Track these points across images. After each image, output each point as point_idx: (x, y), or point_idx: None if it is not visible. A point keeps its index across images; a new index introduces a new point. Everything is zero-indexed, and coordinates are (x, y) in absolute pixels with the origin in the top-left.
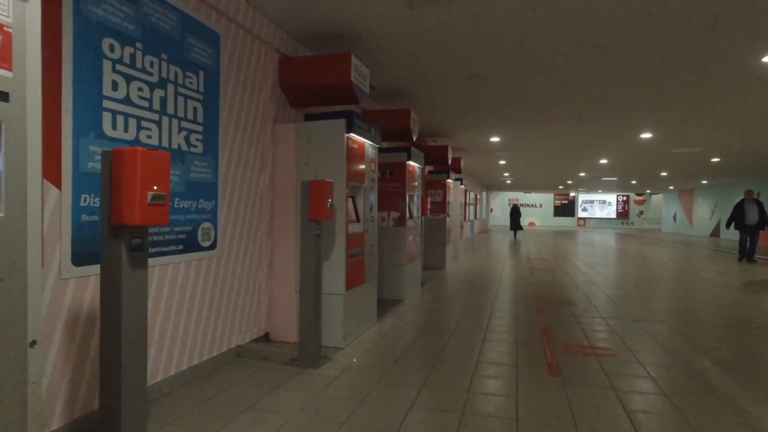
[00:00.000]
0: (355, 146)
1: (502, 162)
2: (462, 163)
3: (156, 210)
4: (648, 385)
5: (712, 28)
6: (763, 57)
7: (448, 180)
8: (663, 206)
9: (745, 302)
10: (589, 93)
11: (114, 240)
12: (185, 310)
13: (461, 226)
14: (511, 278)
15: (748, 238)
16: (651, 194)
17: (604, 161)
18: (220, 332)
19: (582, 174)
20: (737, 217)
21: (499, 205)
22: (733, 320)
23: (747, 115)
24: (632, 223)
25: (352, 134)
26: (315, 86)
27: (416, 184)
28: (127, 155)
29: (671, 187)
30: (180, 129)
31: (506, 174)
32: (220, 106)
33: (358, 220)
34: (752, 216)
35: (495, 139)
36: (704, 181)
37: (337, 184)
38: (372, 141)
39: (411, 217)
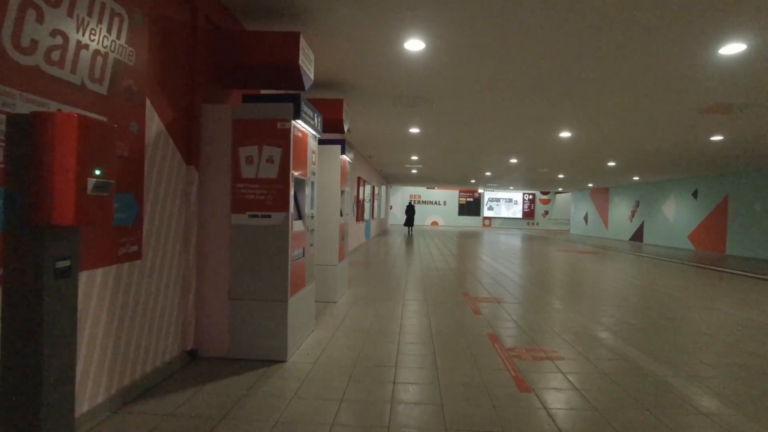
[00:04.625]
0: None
1: (414, 130)
2: (346, 117)
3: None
4: None
5: None
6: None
7: (300, 125)
8: (572, 206)
9: None
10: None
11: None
12: None
13: (342, 238)
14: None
15: None
16: (556, 193)
17: (565, 134)
18: None
19: (514, 160)
20: None
21: (399, 202)
22: None
23: None
24: (537, 224)
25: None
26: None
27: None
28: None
29: (590, 185)
30: None
31: (415, 157)
32: None
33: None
34: None
35: (414, 45)
36: (636, 177)
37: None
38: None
39: None
